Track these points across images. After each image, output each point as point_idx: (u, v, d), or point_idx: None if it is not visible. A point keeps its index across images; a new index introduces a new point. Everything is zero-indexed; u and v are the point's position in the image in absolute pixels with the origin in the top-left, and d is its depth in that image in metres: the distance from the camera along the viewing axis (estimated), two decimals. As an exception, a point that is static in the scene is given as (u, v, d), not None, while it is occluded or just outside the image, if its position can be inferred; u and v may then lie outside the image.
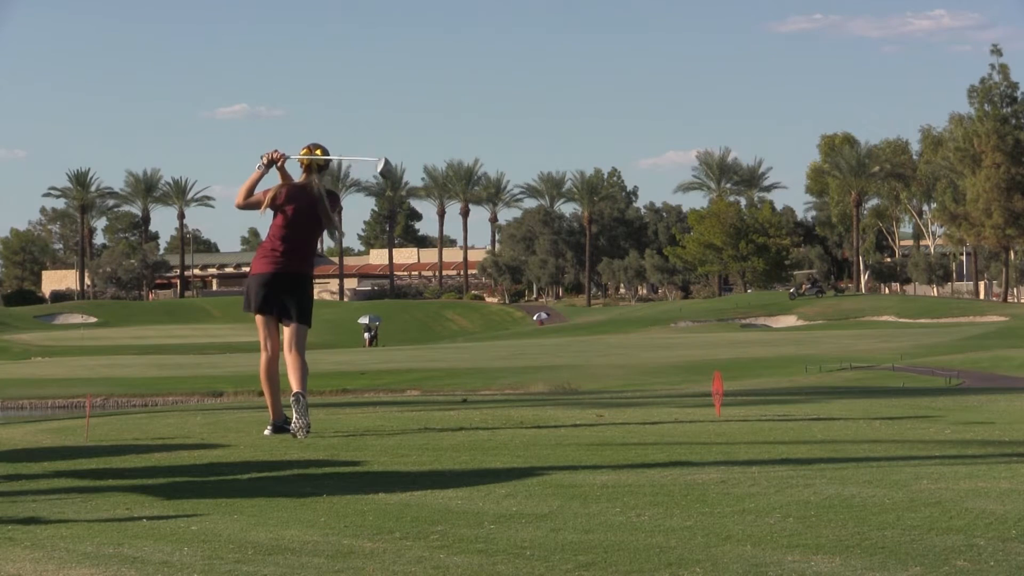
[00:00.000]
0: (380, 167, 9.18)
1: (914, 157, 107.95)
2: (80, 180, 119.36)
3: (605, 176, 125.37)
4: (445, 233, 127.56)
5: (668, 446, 8.04)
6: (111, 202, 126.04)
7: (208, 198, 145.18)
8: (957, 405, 11.41)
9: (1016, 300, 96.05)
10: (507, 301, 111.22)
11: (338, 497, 6.25)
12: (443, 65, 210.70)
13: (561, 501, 5.97)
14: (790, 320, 76.86)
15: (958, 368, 34.61)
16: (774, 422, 9.66)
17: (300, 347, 9.26)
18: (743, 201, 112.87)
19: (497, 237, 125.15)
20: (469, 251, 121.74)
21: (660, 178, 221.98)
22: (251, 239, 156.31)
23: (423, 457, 7.70)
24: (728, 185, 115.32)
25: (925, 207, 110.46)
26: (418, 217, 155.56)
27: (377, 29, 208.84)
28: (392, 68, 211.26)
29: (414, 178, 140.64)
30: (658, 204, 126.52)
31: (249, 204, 9.38)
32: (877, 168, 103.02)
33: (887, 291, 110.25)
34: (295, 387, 9.00)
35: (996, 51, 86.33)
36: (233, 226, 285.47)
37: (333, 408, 11.98)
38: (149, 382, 40.22)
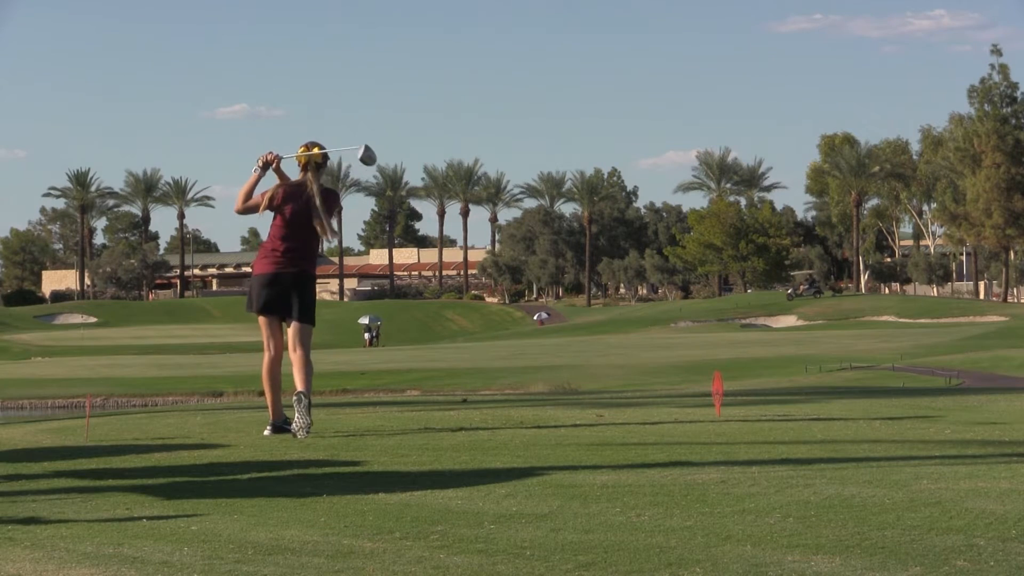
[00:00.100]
0: (360, 154, 9.24)
1: (914, 157, 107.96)
2: (80, 180, 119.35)
3: (605, 176, 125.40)
4: (445, 233, 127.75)
5: (668, 446, 8.04)
6: (111, 202, 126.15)
7: (208, 198, 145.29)
8: (957, 405, 11.41)
9: (1016, 300, 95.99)
10: (507, 301, 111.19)
11: (338, 497, 6.24)
12: (443, 65, 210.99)
13: (561, 501, 5.97)
14: (790, 320, 76.80)
15: (958, 368, 34.61)
16: (774, 422, 9.65)
17: (305, 346, 9.27)
18: (743, 201, 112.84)
19: (497, 237, 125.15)
20: (469, 251, 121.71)
21: (660, 178, 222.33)
22: (251, 239, 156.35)
23: (423, 457, 7.69)
24: (728, 185, 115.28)
25: (925, 207, 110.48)
26: (418, 217, 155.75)
27: (377, 29, 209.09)
28: (392, 68, 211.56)
29: (414, 178, 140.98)
30: (658, 204, 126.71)
31: (247, 208, 9.42)
32: (877, 168, 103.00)
33: (887, 291, 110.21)
34: (299, 386, 9.01)
35: (996, 51, 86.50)
36: (233, 226, 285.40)
37: (333, 408, 11.97)
38: (149, 382, 40.24)
